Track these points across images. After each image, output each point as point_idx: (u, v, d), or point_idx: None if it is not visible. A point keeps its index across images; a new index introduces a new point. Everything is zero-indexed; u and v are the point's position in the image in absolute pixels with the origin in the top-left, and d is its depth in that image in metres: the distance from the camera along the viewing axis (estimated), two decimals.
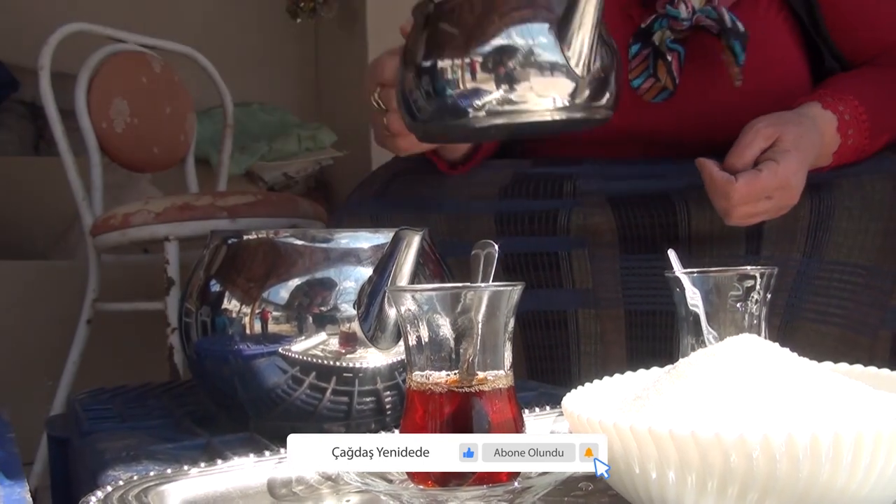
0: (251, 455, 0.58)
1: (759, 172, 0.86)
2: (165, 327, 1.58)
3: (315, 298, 0.69)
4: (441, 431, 0.50)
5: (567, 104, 0.68)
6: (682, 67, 0.99)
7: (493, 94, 0.68)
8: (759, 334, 0.60)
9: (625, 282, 1.00)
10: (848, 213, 0.97)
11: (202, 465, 0.56)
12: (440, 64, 0.69)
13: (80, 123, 1.75)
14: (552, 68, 0.67)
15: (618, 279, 1.00)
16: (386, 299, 0.66)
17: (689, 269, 0.66)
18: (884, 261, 0.97)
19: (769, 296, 0.66)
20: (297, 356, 0.69)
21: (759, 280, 0.64)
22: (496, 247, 0.59)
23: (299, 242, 0.71)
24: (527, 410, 0.66)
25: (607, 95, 0.71)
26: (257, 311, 0.70)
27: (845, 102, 0.96)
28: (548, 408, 0.69)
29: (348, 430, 0.70)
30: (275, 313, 0.69)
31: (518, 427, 0.52)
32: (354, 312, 0.68)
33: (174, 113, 1.94)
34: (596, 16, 0.66)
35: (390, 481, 0.52)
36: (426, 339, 0.51)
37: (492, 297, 0.50)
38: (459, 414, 0.50)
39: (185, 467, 0.56)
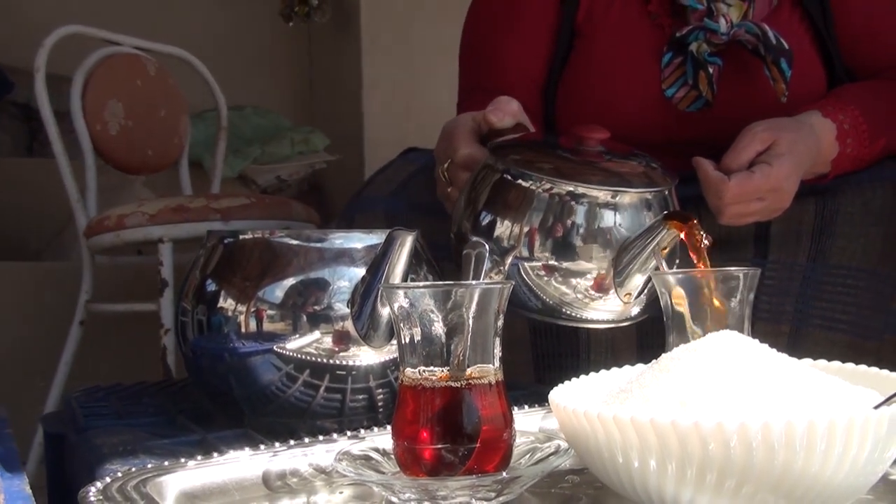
0: (247, 448, 0.59)
1: (752, 174, 0.88)
2: (159, 328, 1.59)
3: (309, 297, 0.71)
4: (432, 426, 0.51)
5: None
6: (720, 79, 1.01)
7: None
8: (742, 332, 0.62)
9: None
10: (850, 218, 0.99)
11: (199, 457, 0.58)
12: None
13: (74, 125, 1.76)
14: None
15: None
16: (379, 298, 0.67)
17: (674, 270, 0.68)
18: (884, 265, 0.98)
19: (752, 296, 0.67)
20: (291, 354, 0.70)
21: (741, 281, 0.66)
22: (486, 247, 0.61)
23: (294, 242, 0.72)
24: (516, 408, 0.68)
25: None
26: (252, 309, 0.71)
27: (846, 112, 0.98)
28: (536, 406, 0.71)
29: (341, 427, 0.72)
30: (270, 312, 0.71)
31: (507, 422, 0.53)
32: (348, 311, 0.69)
33: (168, 115, 1.95)
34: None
35: (382, 472, 0.53)
36: (418, 336, 0.52)
37: (482, 294, 0.52)
38: (450, 408, 0.52)
39: (183, 460, 0.57)
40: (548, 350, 1.03)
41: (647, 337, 1.00)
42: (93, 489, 0.52)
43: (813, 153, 0.95)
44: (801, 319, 0.98)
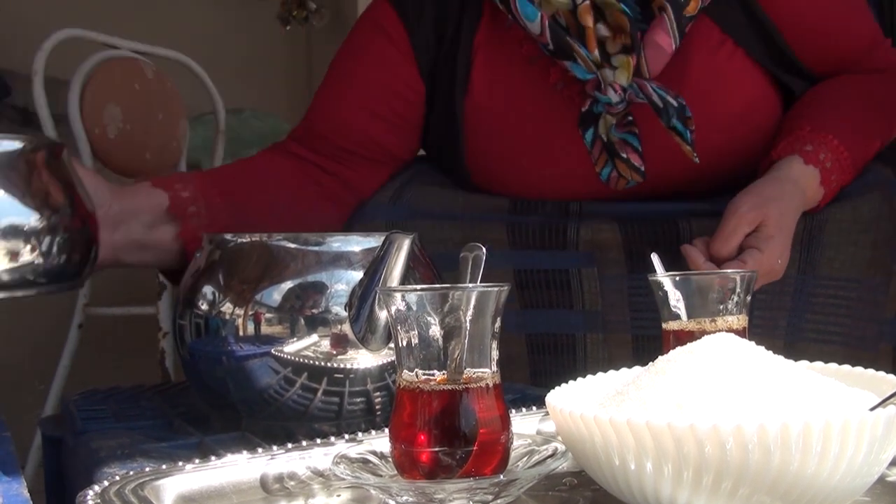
0: (244, 452, 0.59)
1: (744, 264, 0.87)
2: (157, 331, 1.59)
3: (307, 301, 0.71)
4: (429, 429, 0.51)
5: None
6: (642, 146, 0.97)
7: None
8: (741, 335, 0.62)
9: (632, 303, 1.01)
10: (838, 227, 0.98)
11: (196, 461, 0.58)
12: None
13: (72, 129, 1.76)
14: None
15: (625, 300, 1.01)
16: (376, 302, 0.67)
17: (671, 273, 0.69)
18: (874, 273, 0.98)
19: (749, 298, 0.68)
20: (289, 357, 0.70)
21: (738, 283, 0.67)
22: (484, 250, 0.61)
23: (292, 245, 0.72)
24: (514, 410, 0.68)
25: None
26: (250, 312, 0.71)
27: (826, 145, 0.96)
28: (534, 408, 0.71)
29: (339, 431, 0.72)
30: (267, 315, 0.71)
31: (505, 424, 0.53)
32: (346, 314, 0.69)
33: (166, 119, 1.96)
34: None
35: (380, 476, 0.54)
36: (415, 339, 0.52)
37: (479, 297, 0.52)
38: (447, 411, 0.52)
39: (180, 463, 0.57)
40: (545, 367, 1.03)
41: (645, 353, 0.99)
42: (90, 493, 0.52)
43: (799, 209, 0.93)
44: (793, 333, 0.97)
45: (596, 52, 0.94)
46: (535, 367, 1.03)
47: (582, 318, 1.02)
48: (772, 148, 0.99)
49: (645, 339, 1.00)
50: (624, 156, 0.97)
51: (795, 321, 0.98)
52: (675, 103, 0.93)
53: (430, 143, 1.13)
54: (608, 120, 0.97)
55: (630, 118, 0.97)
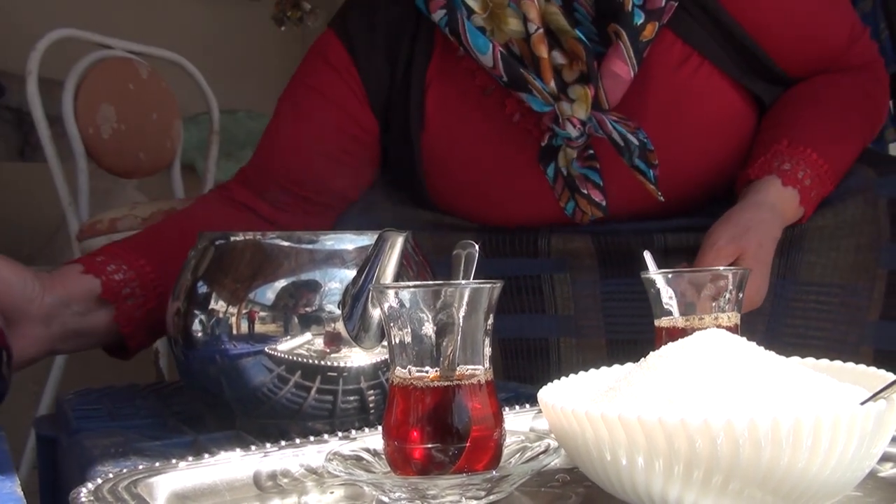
0: (238, 449, 0.59)
1: None
2: None
3: (300, 299, 0.71)
4: (423, 426, 0.52)
5: None
6: (605, 179, 0.94)
7: None
8: (732, 331, 0.62)
9: (605, 308, 1.00)
10: (819, 233, 0.97)
11: (190, 458, 0.58)
12: None
13: (66, 129, 1.76)
14: None
15: (599, 305, 1.00)
16: (369, 299, 0.67)
17: (663, 270, 0.69)
18: (857, 277, 0.97)
19: (741, 295, 0.68)
20: (282, 356, 0.70)
21: (730, 280, 0.67)
22: (476, 247, 0.61)
23: (285, 244, 0.72)
24: (507, 408, 0.68)
25: None
26: (244, 311, 0.71)
27: (805, 160, 0.93)
28: (527, 405, 0.71)
29: (332, 429, 0.72)
30: (261, 313, 0.71)
31: (498, 421, 0.53)
32: (339, 313, 0.69)
33: (161, 119, 1.96)
34: None
35: (373, 472, 0.54)
36: (408, 336, 0.52)
37: (472, 293, 0.52)
38: (440, 408, 0.52)
39: (174, 461, 0.57)
40: (518, 372, 1.03)
41: (619, 357, 0.98)
42: (84, 490, 0.52)
43: (778, 236, 0.91)
44: (771, 339, 0.96)
45: (552, 84, 0.90)
46: (509, 372, 1.03)
47: (554, 323, 1.01)
48: (749, 163, 0.96)
49: (619, 344, 1.00)
50: (584, 192, 0.94)
51: (774, 325, 0.96)
52: (635, 141, 0.89)
53: (392, 172, 1.09)
54: (568, 153, 0.93)
55: (591, 151, 0.94)
